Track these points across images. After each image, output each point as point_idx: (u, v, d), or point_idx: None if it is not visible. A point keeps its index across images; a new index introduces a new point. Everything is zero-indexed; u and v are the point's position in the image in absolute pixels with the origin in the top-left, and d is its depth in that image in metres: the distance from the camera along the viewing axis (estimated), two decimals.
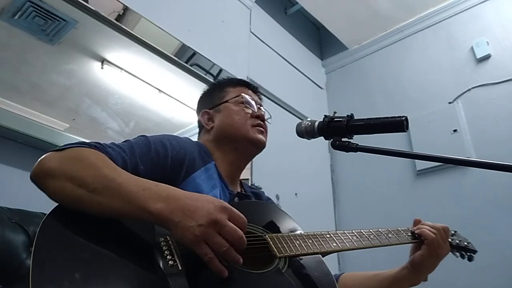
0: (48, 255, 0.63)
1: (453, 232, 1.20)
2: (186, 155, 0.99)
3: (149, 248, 0.71)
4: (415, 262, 1.08)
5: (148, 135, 0.98)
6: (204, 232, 0.66)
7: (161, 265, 0.68)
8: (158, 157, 0.93)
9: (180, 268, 0.68)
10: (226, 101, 1.18)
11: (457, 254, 1.19)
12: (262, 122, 1.16)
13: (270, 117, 1.25)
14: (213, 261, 0.67)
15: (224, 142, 1.14)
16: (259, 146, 1.14)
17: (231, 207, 0.72)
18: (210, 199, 0.72)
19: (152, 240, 0.72)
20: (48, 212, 0.71)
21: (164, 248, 0.71)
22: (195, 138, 1.18)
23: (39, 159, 0.77)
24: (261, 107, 1.22)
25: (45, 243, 0.65)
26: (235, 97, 1.18)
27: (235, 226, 0.69)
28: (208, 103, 1.22)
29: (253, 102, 1.18)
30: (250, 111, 1.15)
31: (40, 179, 0.75)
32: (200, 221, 0.66)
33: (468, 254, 1.19)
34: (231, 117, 1.14)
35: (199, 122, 1.23)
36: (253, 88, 1.25)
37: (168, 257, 0.69)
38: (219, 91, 1.22)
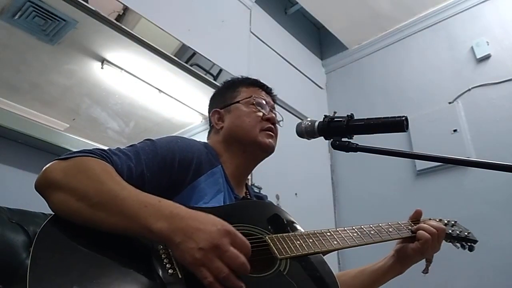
0: (45, 267, 0.62)
1: (453, 222, 1.17)
2: (194, 158, 0.97)
3: (147, 256, 0.70)
4: (405, 254, 1.07)
5: (154, 139, 0.97)
6: (204, 256, 0.65)
7: (160, 274, 0.67)
8: (164, 162, 0.91)
9: (180, 276, 0.67)
10: (237, 102, 1.15)
11: (458, 245, 1.16)
12: (272, 126, 1.13)
13: (282, 120, 1.23)
14: (212, 285, 0.65)
15: (232, 144, 1.12)
16: (268, 151, 1.12)
17: (235, 231, 0.69)
18: (214, 221, 0.69)
19: (151, 248, 0.71)
20: (47, 213, 0.71)
21: (163, 256, 0.70)
22: (195, 138, 1.17)
23: (44, 168, 0.76)
24: (273, 110, 1.19)
25: (42, 254, 0.64)
26: (247, 98, 1.15)
27: (236, 252, 0.67)
28: (220, 101, 1.20)
29: (265, 104, 1.16)
30: (261, 114, 1.13)
31: (43, 189, 0.75)
32: (201, 244, 0.65)
33: (469, 244, 1.15)
34: (241, 119, 1.12)
35: (209, 120, 1.21)
36: (267, 89, 1.23)
37: (167, 265, 0.69)
38: (231, 91, 1.20)
